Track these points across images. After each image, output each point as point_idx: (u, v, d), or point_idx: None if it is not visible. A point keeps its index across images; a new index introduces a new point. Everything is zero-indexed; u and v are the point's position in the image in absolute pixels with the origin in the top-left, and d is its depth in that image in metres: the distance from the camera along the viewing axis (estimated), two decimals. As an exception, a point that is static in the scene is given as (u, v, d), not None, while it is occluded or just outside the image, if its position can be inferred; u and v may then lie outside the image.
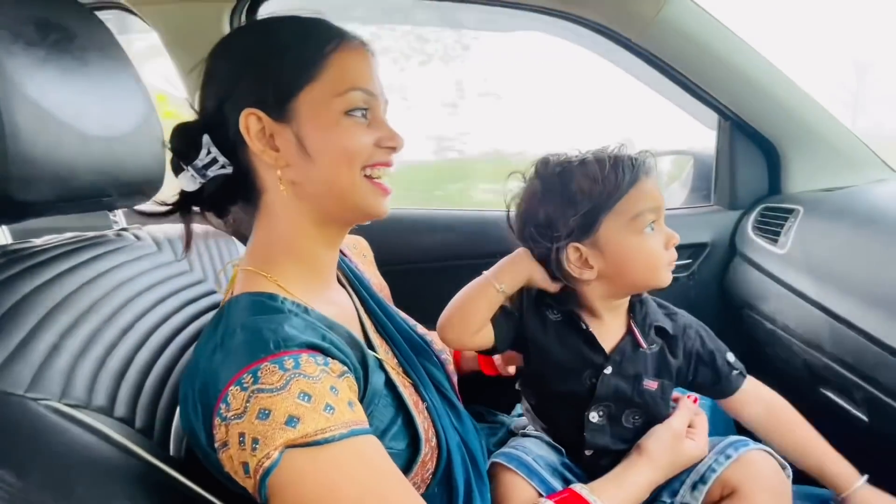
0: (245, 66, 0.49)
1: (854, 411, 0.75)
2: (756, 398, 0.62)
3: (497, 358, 0.75)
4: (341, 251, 0.65)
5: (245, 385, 0.39)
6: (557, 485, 0.59)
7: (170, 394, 0.52)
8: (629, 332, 0.60)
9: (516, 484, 0.58)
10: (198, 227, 0.74)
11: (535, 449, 0.62)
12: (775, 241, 0.94)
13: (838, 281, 0.77)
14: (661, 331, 0.61)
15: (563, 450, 0.63)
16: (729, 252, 1.10)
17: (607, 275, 0.58)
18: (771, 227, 0.98)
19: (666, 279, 0.58)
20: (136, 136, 0.59)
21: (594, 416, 0.59)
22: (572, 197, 0.57)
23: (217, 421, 0.39)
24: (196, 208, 0.54)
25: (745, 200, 1.11)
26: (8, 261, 0.48)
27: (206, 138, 0.49)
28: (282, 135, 0.48)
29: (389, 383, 0.52)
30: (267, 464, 0.37)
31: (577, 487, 0.53)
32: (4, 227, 0.52)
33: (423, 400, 0.55)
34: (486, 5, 0.96)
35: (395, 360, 0.57)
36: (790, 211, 0.96)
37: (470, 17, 1.06)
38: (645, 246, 0.57)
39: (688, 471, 0.57)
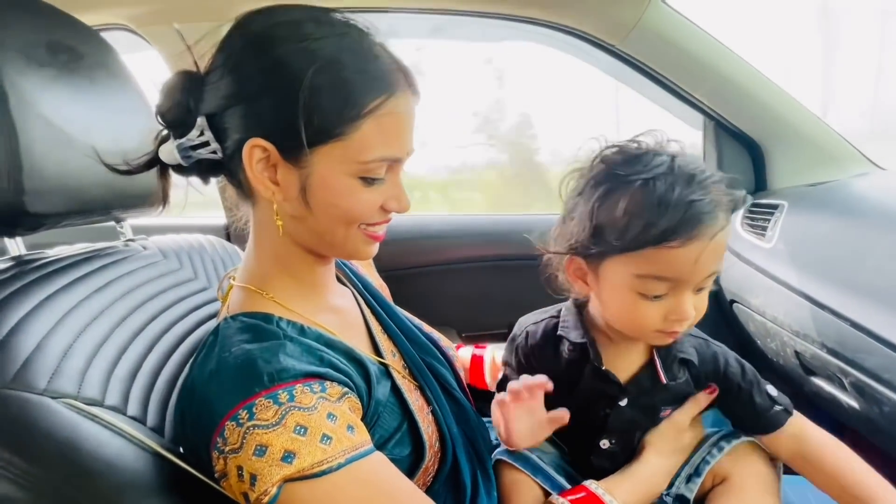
0: (275, 86, 0.43)
1: (846, 399, 0.77)
2: (793, 438, 0.54)
3: (488, 374, 0.74)
4: None
5: (241, 421, 0.39)
6: (563, 481, 0.58)
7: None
8: (650, 362, 0.55)
9: (522, 482, 0.57)
10: (201, 237, 0.76)
11: (538, 446, 0.62)
12: (763, 235, 0.97)
13: (822, 271, 0.79)
14: (686, 362, 0.55)
15: (565, 448, 0.63)
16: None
17: (599, 306, 0.53)
18: (758, 222, 1.01)
19: (655, 342, 0.53)
20: (141, 150, 0.61)
21: (605, 444, 0.57)
22: (598, 212, 0.48)
23: (215, 454, 0.40)
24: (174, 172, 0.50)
25: (733, 198, 1.14)
26: (22, 270, 0.50)
27: (201, 120, 0.45)
28: (287, 174, 0.45)
29: (395, 388, 0.52)
30: (266, 500, 0.38)
31: (592, 486, 0.52)
32: (19, 239, 0.54)
33: (429, 403, 0.55)
34: (474, 17, 1.00)
35: (402, 363, 0.57)
36: (776, 206, 0.98)
37: (459, 29, 1.10)
38: (635, 309, 0.49)
39: (682, 464, 0.58)
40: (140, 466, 0.42)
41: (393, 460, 0.44)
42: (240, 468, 0.38)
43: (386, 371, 0.53)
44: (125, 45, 0.96)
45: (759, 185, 1.12)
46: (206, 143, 0.46)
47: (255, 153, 0.44)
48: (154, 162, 0.49)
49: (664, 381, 0.54)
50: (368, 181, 0.46)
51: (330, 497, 0.39)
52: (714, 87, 1.01)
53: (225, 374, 0.42)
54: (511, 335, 0.63)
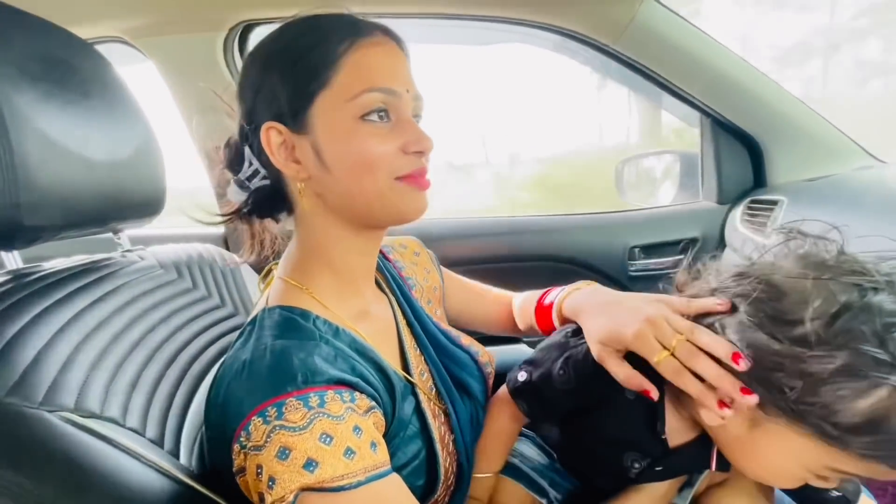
0: (263, 77, 0.47)
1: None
2: None
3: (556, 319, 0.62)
4: (384, 255, 0.65)
5: (268, 418, 0.38)
6: (545, 483, 0.59)
7: (179, 406, 0.54)
8: (706, 440, 0.47)
9: (505, 487, 0.58)
10: (199, 247, 0.76)
11: (524, 450, 0.62)
12: (763, 231, 0.96)
13: (824, 266, 0.79)
14: None
15: (553, 454, 0.62)
16: (719, 246, 1.12)
17: (729, 444, 0.44)
18: (758, 218, 1.00)
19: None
20: (136, 160, 0.61)
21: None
22: (826, 389, 0.36)
23: (236, 447, 0.39)
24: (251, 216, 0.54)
25: (732, 194, 1.13)
26: (19, 284, 0.50)
27: (246, 150, 0.50)
28: (301, 146, 0.47)
29: (419, 413, 0.51)
30: None
31: None
32: (15, 253, 0.54)
33: (452, 431, 0.53)
34: (466, 20, 1.00)
35: (430, 384, 0.55)
36: (775, 202, 0.98)
37: (453, 32, 1.10)
38: (790, 480, 0.42)
39: None
40: (138, 479, 0.41)
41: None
42: (259, 467, 0.38)
43: (411, 390, 0.51)
44: (120, 57, 0.97)
45: (759, 181, 1.12)
46: (258, 172, 0.50)
47: (272, 136, 0.47)
48: (236, 209, 0.53)
49: (713, 468, 0.47)
50: (369, 119, 0.46)
51: None
52: (710, 83, 1.01)
53: (258, 367, 0.41)
54: (564, 339, 0.53)
